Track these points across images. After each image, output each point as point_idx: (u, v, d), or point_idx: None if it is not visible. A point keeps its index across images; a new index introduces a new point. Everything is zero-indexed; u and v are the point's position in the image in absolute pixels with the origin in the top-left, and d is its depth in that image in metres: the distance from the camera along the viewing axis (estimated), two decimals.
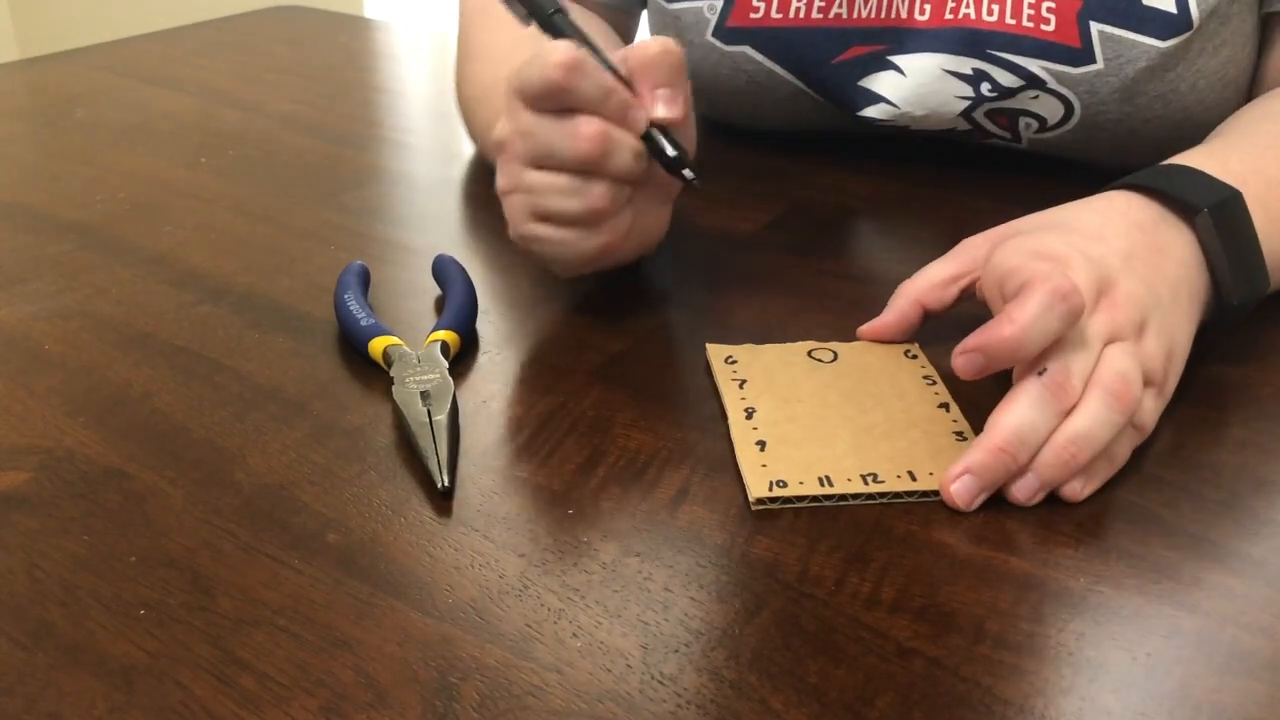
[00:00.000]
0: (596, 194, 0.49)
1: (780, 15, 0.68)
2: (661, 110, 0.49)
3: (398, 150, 0.80)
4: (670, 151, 0.50)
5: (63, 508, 0.41)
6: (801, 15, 0.68)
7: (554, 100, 0.48)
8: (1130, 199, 0.49)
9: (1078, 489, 0.41)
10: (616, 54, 0.50)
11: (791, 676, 0.34)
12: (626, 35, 0.79)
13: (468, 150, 0.81)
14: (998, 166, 0.73)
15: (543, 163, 0.49)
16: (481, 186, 0.73)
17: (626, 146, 0.48)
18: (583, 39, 0.50)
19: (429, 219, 0.68)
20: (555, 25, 0.51)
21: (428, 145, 0.81)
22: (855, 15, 0.67)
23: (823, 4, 0.67)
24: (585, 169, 0.48)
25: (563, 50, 0.47)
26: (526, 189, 0.50)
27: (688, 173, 0.50)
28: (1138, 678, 0.34)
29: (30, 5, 2.53)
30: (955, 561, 0.39)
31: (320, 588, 0.37)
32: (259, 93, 0.91)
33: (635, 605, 0.36)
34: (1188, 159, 0.52)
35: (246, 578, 0.37)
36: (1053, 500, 0.42)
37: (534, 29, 0.53)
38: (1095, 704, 0.33)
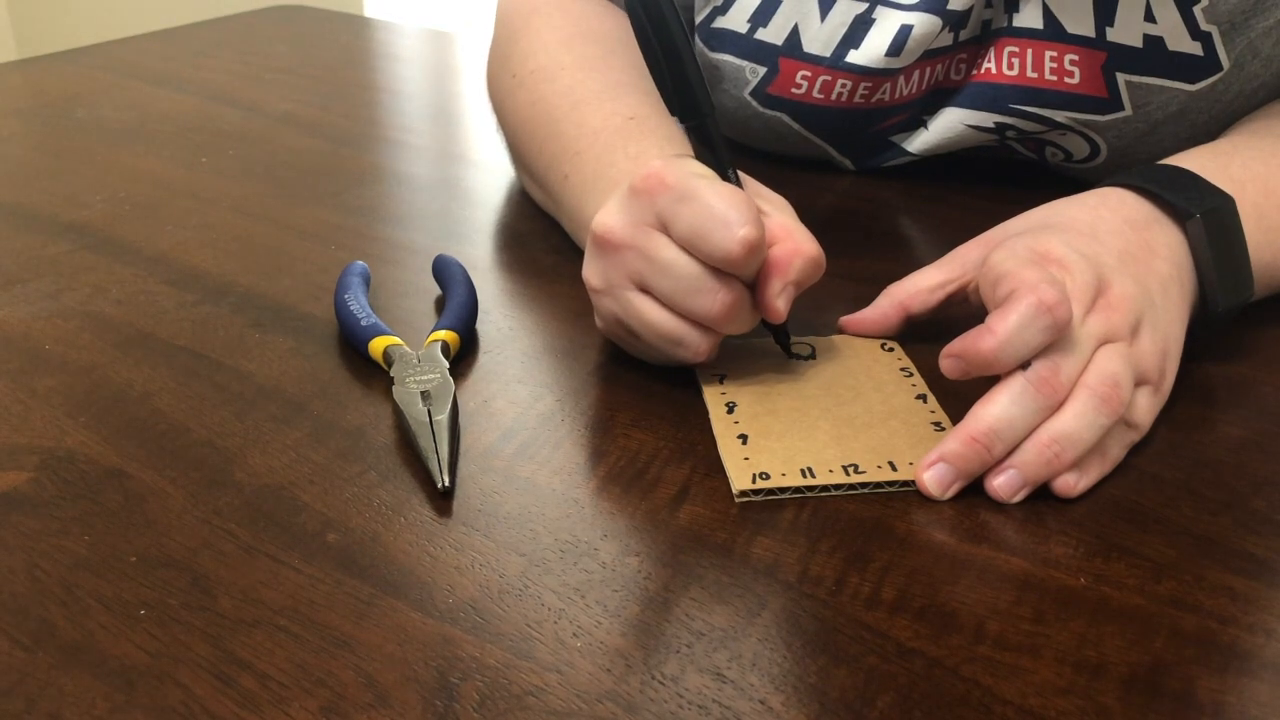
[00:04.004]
0: (700, 344, 0.46)
1: (822, 96, 0.66)
2: (780, 308, 0.45)
3: (398, 150, 0.80)
4: (792, 350, 0.50)
5: (63, 508, 0.41)
6: (844, 100, 0.66)
7: (713, 264, 0.44)
8: (1124, 197, 0.49)
9: (1072, 482, 0.41)
10: (769, 215, 0.46)
11: (792, 676, 0.34)
12: None
13: (468, 150, 0.81)
14: (1001, 168, 0.73)
15: (656, 296, 0.46)
16: (484, 186, 0.73)
17: (749, 316, 0.46)
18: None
19: (429, 219, 0.68)
20: (728, 176, 0.47)
21: (428, 145, 0.81)
22: (897, 95, 0.66)
23: (866, 90, 0.65)
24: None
25: (750, 228, 0.42)
26: (627, 308, 0.46)
27: (795, 349, 0.50)
28: (1138, 678, 0.34)
29: (30, 5, 2.53)
30: (955, 561, 0.39)
31: (320, 588, 0.37)
32: (259, 93, 0.91)
33: (635, 605, 0.36)
34: (1188, 159, 0.52)
35: (246, 578, 0.37)
36: (1052, 499, 0.42)
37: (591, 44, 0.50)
38: (1095, 704, 0.33)
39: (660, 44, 0.46)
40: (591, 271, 0.47)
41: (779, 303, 0.45)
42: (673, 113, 0.47)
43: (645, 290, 0.46)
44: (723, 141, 0.47)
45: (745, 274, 0.44)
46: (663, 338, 0.46)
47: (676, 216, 0.44)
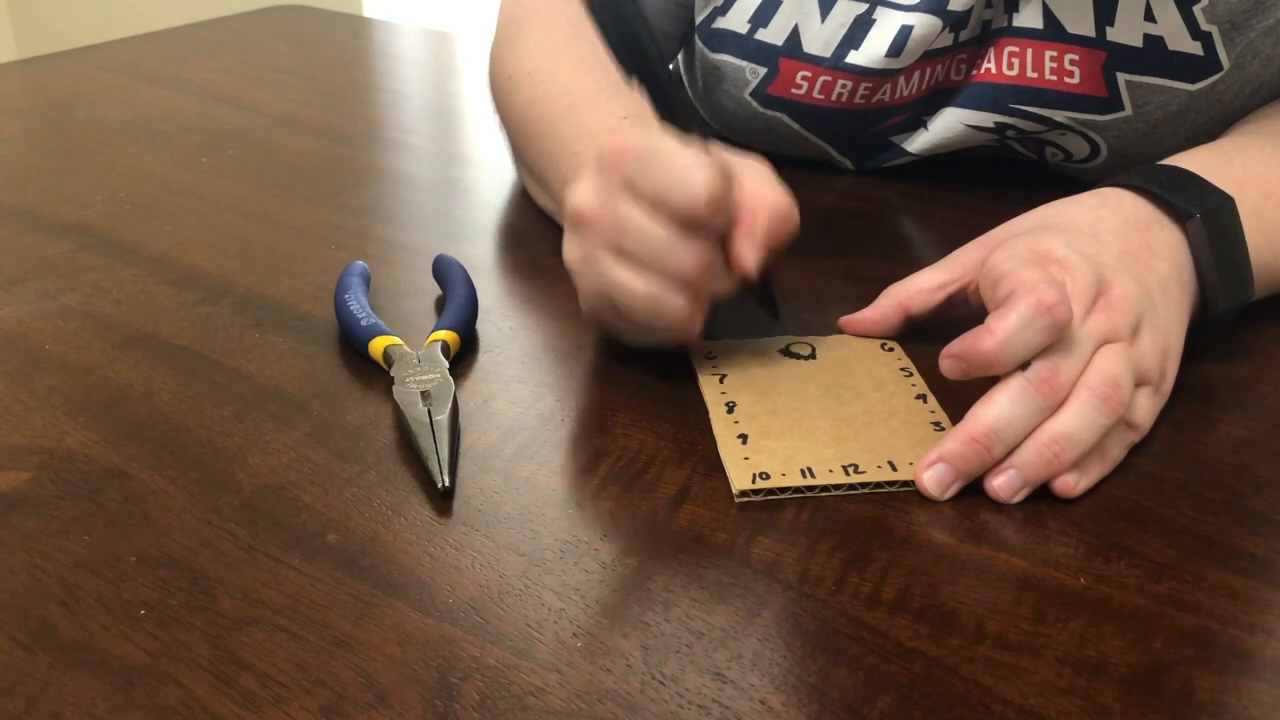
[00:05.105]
0: (681, 308, 0.45)
1: (822, 96, 0.66)
2: (747, 258, 0.45)
3: (398, 150, 0.80)
4: (774, 307, 0.50)
5: (63, 508, 0.41)
6: (844, 100, 0.66)
7: (682, 221, 0.43)
8: (1124, 197, 0.49)
9: (1071, 483, 0.41)
10: (739, 175, 0.46)
11: (792, 676, 0.34)
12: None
13: (468, 150, 0.81)
14: (1001, 168, 0.73)
15: (631, 262, 0.45)
16: (484, 186, 0.73)
17: (725, 274, 0.45)
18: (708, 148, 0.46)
19: (429, 219, 0.68)
20: (687, 130, 0.47)
21: (428, 145, 0.81)
22: (897, 96, 0.66)
23: (866, 91, 0.65)
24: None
25: (712, 180, 0.42)
26: (606, 279, 0.46)
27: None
28: (1138, 678, 0.34)
29: (30, 5, 2.53)
30: (955, 561, 0.39)
31: (320, 588, 0.37)
32: (259, 93, 0.91)
33: (635, 605, 0.36)
34: (1189, 159, 0.52)
35: (246, 578, 0.37)
36: (1052, 499, 0.42)
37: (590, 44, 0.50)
38: (1095, 704, 0.33)
39: (610, 13, 0.46)
40: (569, 249, 0.47)
41: (746, 253, 0.44)
42: (625, 71, 0.47)
43: (621, 257, 0.45)
44: (684, 103, 0.47)
45: (713, 228, 0.44)
46: (643, 300, 0.45)
47: (641, 179, 0.43)
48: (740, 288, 0.47)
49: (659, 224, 0.44)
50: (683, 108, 0.47)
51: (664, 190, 0.43)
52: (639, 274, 0.45)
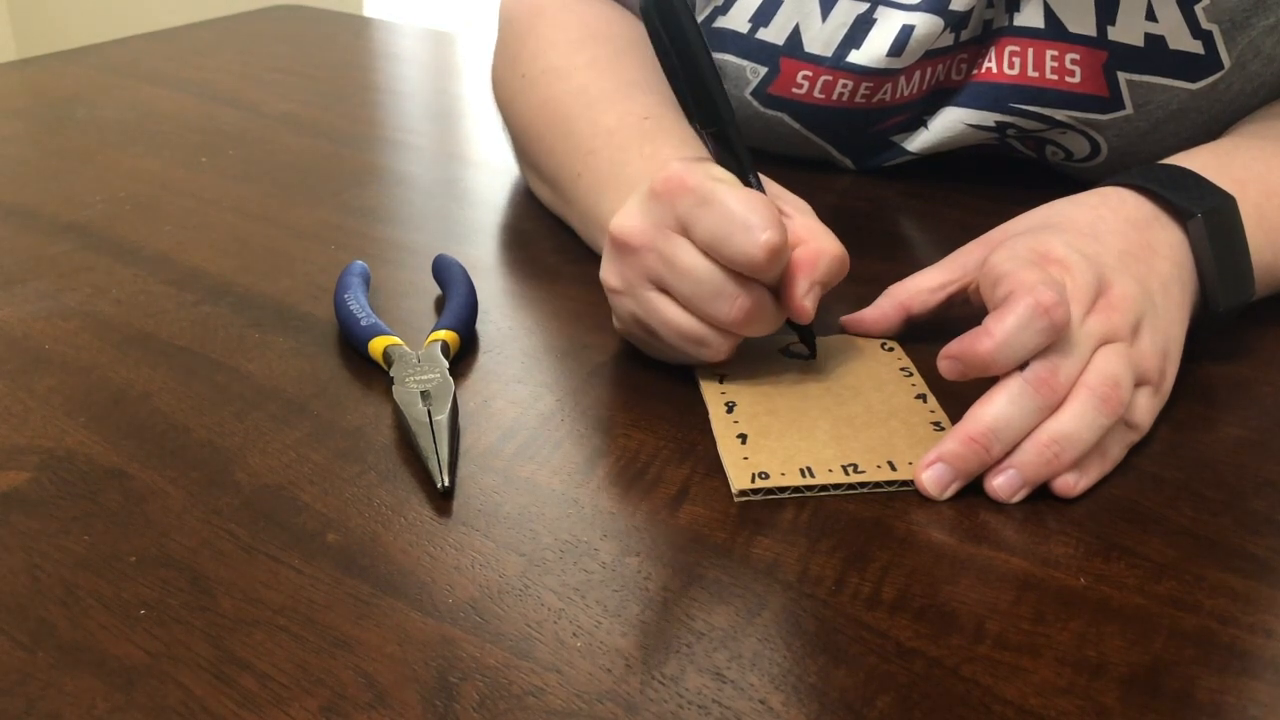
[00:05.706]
0: (721, 346, 0.46)
1: (823, 96, 0.66)
2: (808, 308, 0.45)
3: (398, 150, 0.80)
4: (813, 350, 0.50)
5: (63, 508, 0.41)
6: (845, 100, 0.66)
7: (735, 269, 0.43)
8: (1124, 196, 0.49)
9: (1071, 483, 0.41)
10: (791, 216, 0.46)
11: (792, 676, 0.34)
12: None
13: (468, 150, 0.81)
14: (1001, 168, 0.73)
15: (675, 297, 0.45)
16: (484, 186, 0.73)
17: (771, 319, 0.45)
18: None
19: (429, 219, 0.68)
20: (749, 181, 0.46)
21: (428, 145, 0.81)
22: (898, 96, 0.66)
23: (867, 90, 0.65)
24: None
25: (773, 233, 0.42)
26: (646, 309, 0.46)
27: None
28: (1138, 678, 0.34)
29: (30, 5, 2.53)
30: (955, 561, 0.39)
31: (320, 588, 0.37)
32: (259, 93, 0.91)
33: (635, 605, 0.36)
34: (1190, 159, 0.52)
35: (246, 578, 0.37)
36: (1052, 499, 0.42)
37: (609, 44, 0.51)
38: (1095, 704, 0.33)
39: (677, 51, 0.45)
40: (610, 272, 0.47)
41: (806, 302, 0.45)
42: (692, 121, 0.47)
43: (664, 291, 0.46)
44: (743, 146, 0.47)
45: (768, 278, 0.44)
46: (684, 338, 0.46)
47: (697, 220, 0.43)
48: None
49: (710, 267, 0.44)
50: (730, 116, 0.46)
51: (721, 237, 0.43)
52: (683, 311, 0.45)
